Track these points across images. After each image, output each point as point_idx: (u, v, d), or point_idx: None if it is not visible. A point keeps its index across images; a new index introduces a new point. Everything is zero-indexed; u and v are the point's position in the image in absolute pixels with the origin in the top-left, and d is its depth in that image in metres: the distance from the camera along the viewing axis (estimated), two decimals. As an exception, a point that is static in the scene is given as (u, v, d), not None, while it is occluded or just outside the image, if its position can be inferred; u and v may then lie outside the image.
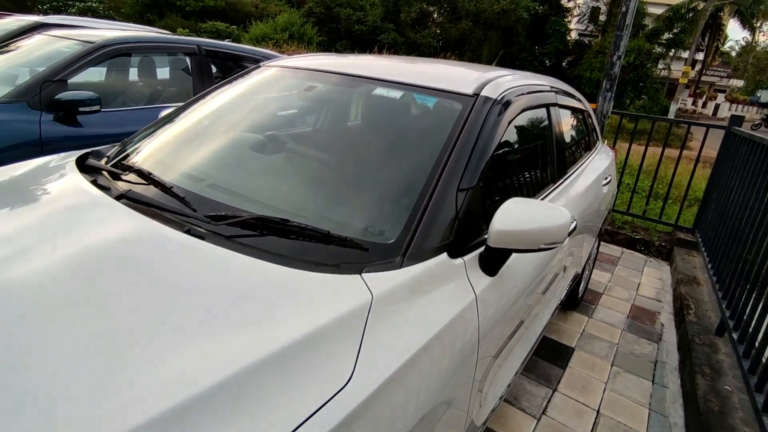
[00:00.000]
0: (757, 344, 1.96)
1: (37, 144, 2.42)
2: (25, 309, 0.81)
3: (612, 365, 2.44)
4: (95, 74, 2.99)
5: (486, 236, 1.13)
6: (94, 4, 19.58)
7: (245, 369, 0.71)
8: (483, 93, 1.41)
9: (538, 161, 1.74)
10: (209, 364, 0.71)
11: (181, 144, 1.55)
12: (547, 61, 29.80)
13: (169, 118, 1.72)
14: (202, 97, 1.82)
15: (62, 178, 1.33)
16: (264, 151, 1.46)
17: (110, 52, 2.77)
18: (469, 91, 1.41)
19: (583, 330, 2.76)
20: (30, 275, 0.89)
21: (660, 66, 28.00)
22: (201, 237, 1.01)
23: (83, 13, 19.89)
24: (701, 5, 27.51)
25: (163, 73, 3.18)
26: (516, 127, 1.53)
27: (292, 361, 0.74)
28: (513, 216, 1.09)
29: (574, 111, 2.37)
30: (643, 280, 3.60)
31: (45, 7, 18.93)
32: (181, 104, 1.82)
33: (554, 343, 2.57)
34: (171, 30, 12.25)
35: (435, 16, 23.61)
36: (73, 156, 1.54)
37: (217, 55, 3.43)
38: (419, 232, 1.05)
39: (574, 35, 31.63)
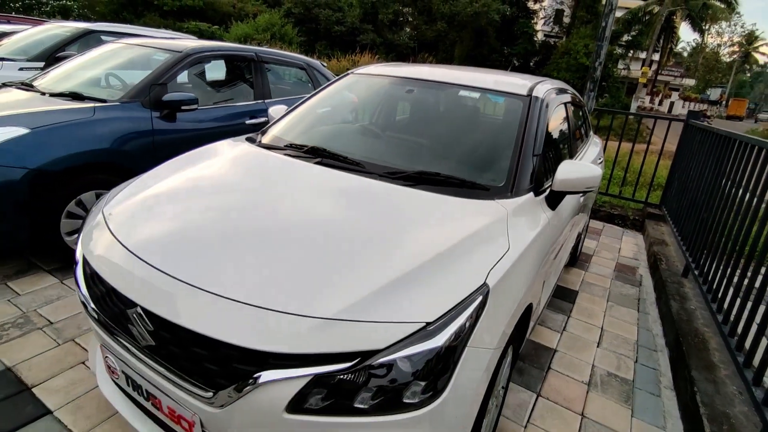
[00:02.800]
0: (711, 276, 2.73)
1: (150, 134, 2.94)
2: (314, 219, 1.44)
3: (607, 301, 3.19)
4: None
5: (548, 185, 1.82)
6: (68, 3, 19.29)
7: (458, 241, 1.36)
8: (534, 94, 2.10)
9: (565, 140, 2.45)
10: (426, 246, 1.34)
11: (330, 130, 2.20)
12: (516, 62, 31.19)
13: (301, 112, 2.34)
14: (314, 95, 2.45)
15: (256, 153, 1.95)
16: (398, 132, 2.12)
17: (195, 59, 3.31)
18: (524, 93, 2.10)
19: (582, 279, 3.51)
20: (301, 205, 1.52)
21: (620, 66, 29.83)
22: (391, 182, 1.65)
23: (58, 11, 19.51)
24: (656, 9, 29.50)
25: (231, 76, 3.72)
26: (552, 117, 2.22)
27: (481, 237, 1.40)
28: (568, 171, 1.78)
29: (578, 106, 3.11)
30: (622, 246, 4.41)
31: (17, 5, 18.52)
32: (301, 97, 2.44)
33: (563, 288, 3.31)
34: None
35: (410, 18, 24.35)
36: (239, 140, 2.15)
37: (269, 60, 3.99)
38: (516, 180, 1.72)
39: (540, 36, 33.10)
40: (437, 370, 1.07)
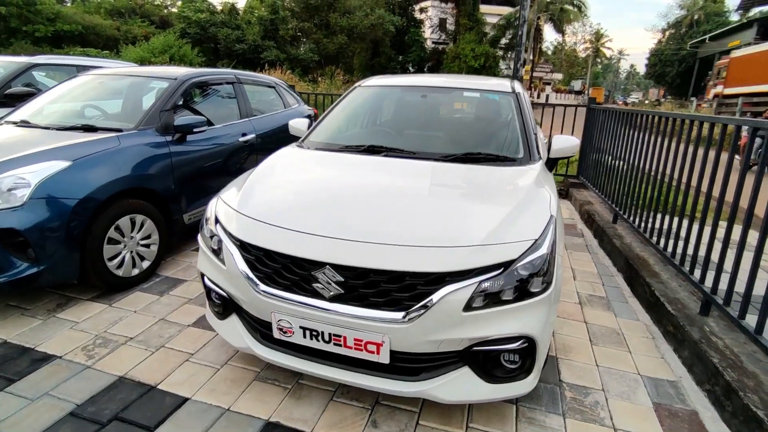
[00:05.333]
0: (637, 217, 3.69)
1: (168, 156, 3.12)
2: (418, 186, 1.95)
3: (566, 249, 4.05)
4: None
5: (543, 155, 2.51)
6: None
7: (525, 191, 1.94)
8: (515, 91, 2.79)
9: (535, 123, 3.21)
10: (508, 195, 1.93)
11: (367, 132, 2.69)
12: (411, 68, 33.31)
13: (330, 122, 2.79)
14: (334, 108, 2.90)
15: (323, 154, 2.42)
16: (425, 127, 2.66)
17: (191, 84, 3.51)
18: (510, 90, 2.78)
19: (542, 238, 4.36)
20: (401, 180, 2.03)
21: (503, 66, 33.47)
22: (450, 162, 2.20)
23: None
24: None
25: (218, 98, 3.93)
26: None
27: (533, 188, 2.00)
28: (560, 142, 2.48)
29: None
30: (558, 211, 5.42)
31: None
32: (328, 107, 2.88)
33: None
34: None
35: (310, 33, 24.82)
36: (293, 147, 2.56)
37: (246, 81, 4.27)
38: (530, 152, 2.38)
39: (429, 44, 35.65)
40: (547, 268, 1.65)
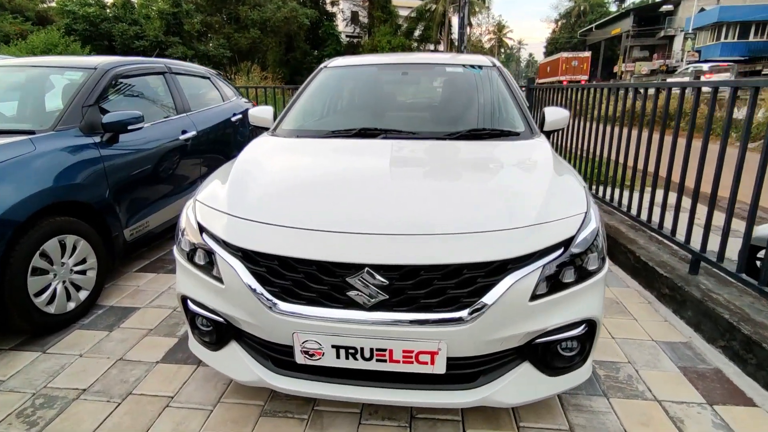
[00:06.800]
0: (607, 192, 3.80)
1: (99, 161, 2.55)
2: (438, 168, 1.72)
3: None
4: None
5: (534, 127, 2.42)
6: None
7: (552, 165, 1.79)
8: (496, 64, 2.66)
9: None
10: (536, 170, 1.77)
11: (351, 114, 2.40)
12: (328, 62, 32.80)
13: (303, 107, 2.45)
14: (303, 92, 2.57)
15: (310, 141, 2.08)
16: (418, 107, 2.41)
17: (115, 75, 2.92)
18: (491, 64, 2.64)
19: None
20: (414, 164, 1.78)
21: (418, 57, 34.16)
22: (456, 140, 2.00)
23: None
24: (434, 7, 34.56)
25: (149, 91, 3.33)
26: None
27: (552, 159, 1.86)
28: (552, 114, 2.39)
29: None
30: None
31: None
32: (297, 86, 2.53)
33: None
34: None
35: (217, 27, 23.26)
36: (267, 137, 2.20)
37: (179, 72, 3.70)
38: (530, 125, 2.25)
39: (343, 37, 35.35)
40: (600, 243, 1.51)
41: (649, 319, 2.46)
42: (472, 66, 2.62)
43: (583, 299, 1.44)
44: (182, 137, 3.35)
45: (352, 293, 1.34)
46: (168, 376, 1.99)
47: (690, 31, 31.55)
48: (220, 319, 1.54)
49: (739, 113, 8.21)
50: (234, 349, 1.59)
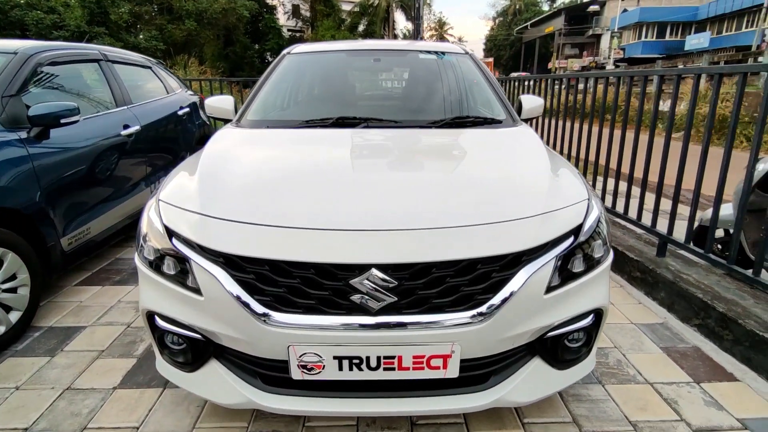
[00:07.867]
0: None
1: (28, 160, 2.20)
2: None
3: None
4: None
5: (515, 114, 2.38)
6: None
7: (545, 151, 1.74)
8: (468, 53, 2.59)
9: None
10: (530, 157, 1.71)
11: (324, 103, 2.22)
12: (270, 57, 31.73)
13: (269, 96, 2.25)
14: (267, 79, 2.36)
15: (284, 133, 1.90)
16: (394, 95, 2.28)
17: (40, 60, 2.53)
18: (463, 51, 2.57)
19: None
20: (403, 155, 1.65)
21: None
22: (440, 128, 1.90)
23: None
24: (377, 2, 34.49)
25: (83, 81, 2.93)
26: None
27: (542, 147, 1.81)
28: (529, 102, 2.35)
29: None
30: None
31: None
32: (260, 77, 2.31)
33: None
34: None
35: (148, 18, 21.70)
36: (231, 128, 1.99)
37: (117, 60, 3.31)
38: (510, 113, 2.19)
39: (285, 31, 34.39)
40: (603, 230, 1.46)
41: (624, 302, 2.52)
42: (444, 53, 2.54)
43: (593, 288, 1.40)
44: (124, 132, 3.00)
45: (355, 297, 1.20)
46: (129, 403, 1.73)
47: (615, 30, 33.85)
48: (197, 336, 1.34)
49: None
50: (214, 368, 1.39)
